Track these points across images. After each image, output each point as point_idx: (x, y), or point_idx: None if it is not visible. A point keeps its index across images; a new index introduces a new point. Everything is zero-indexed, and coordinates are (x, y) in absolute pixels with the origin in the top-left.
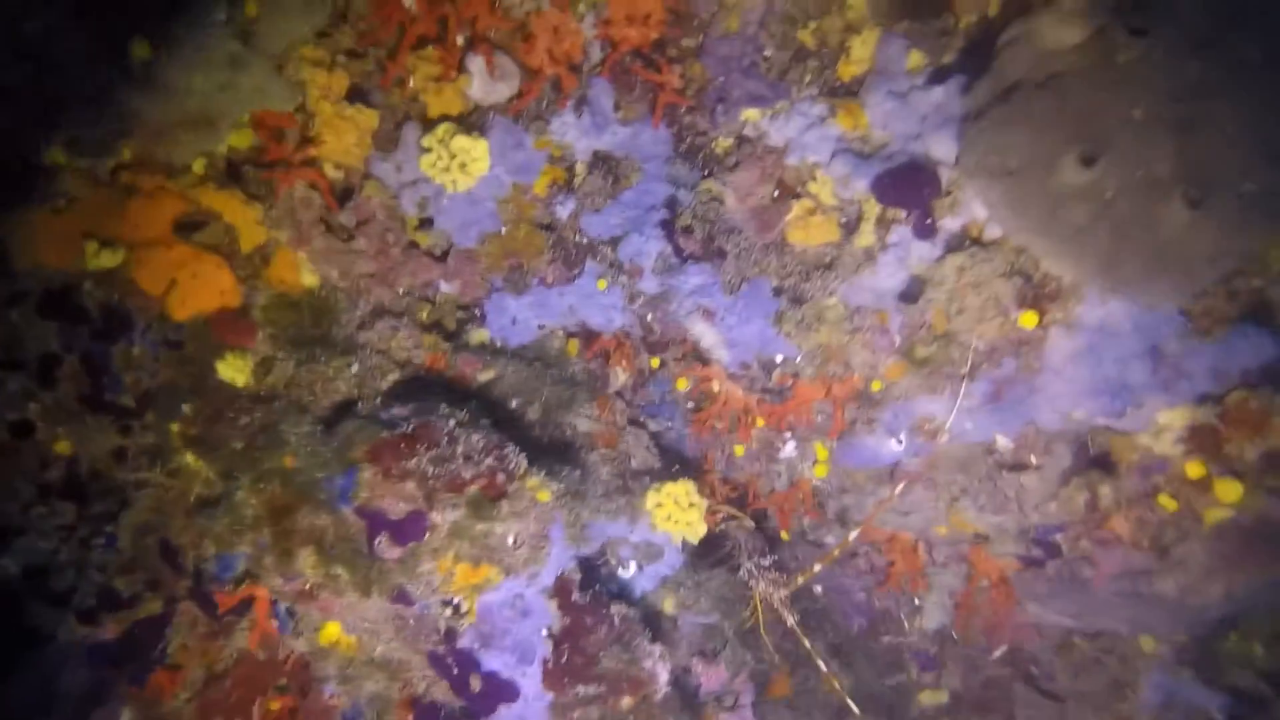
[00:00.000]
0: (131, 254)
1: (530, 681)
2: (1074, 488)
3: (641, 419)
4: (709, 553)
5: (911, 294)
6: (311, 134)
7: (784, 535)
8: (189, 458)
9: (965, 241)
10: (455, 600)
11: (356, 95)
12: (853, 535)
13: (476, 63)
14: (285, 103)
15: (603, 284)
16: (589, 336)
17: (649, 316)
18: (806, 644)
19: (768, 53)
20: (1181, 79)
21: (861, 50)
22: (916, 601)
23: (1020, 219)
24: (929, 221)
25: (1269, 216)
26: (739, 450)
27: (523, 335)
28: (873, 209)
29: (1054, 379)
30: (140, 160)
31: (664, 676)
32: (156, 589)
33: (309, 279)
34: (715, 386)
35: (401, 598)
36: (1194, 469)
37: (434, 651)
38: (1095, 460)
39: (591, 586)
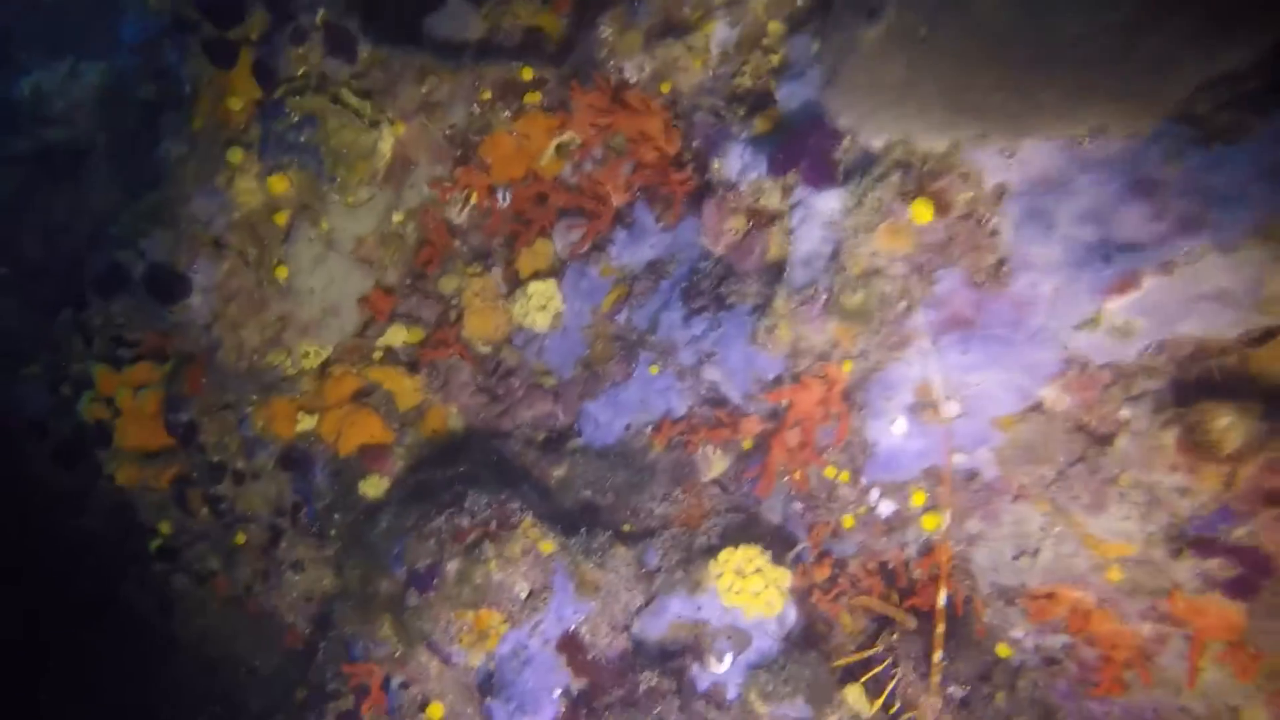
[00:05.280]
0: (321, 417)
1: None
2: (1160, 429)
3: (750, 506)
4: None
5: (836, 249)
6: (460, 322)
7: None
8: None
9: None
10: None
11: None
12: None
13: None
14: (368, 280)
15: (654, 369)
16: (661, 426)
17: (701, 389)
18: None
19: (722, 111)
20: None
21: (777, 60)
22: None
23: (854, 108)
24: (825, 167)
25: None
26: (847, 522)
27: (606, 437)
28: (777, 185)
29: (1029, 275)
30: (337, 356)
31: None
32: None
33: (456, 424)
34: (746, 443)
35: (432, 648)
36: None
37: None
38: (1221, 386)
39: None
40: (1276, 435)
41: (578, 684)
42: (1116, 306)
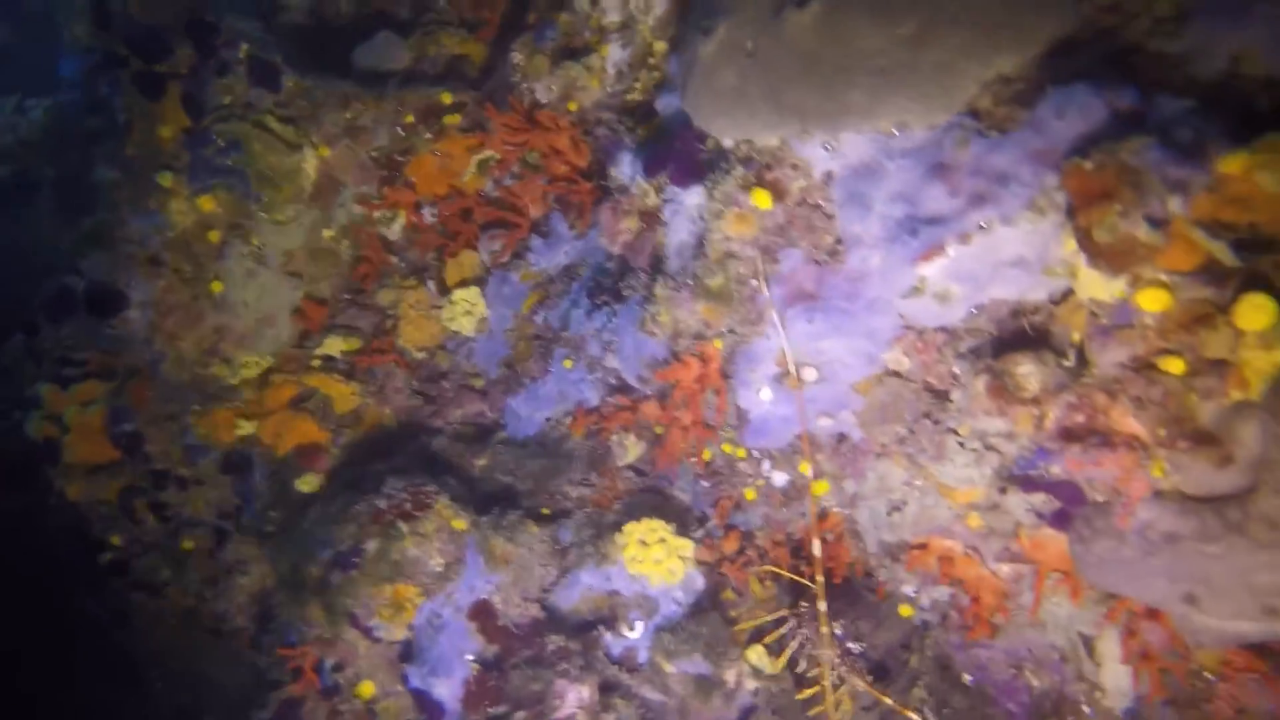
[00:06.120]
0: (260, 422)
1: (449, 698)
2: (973, 378)
3: (665, 488)
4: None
5: (700, 238)
6: (396, 331)
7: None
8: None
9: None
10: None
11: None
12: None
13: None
14: (298, 292)
15: (568, 363)
16: (577, 416)
17: (609, 378)
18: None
19: (616, 124)
20: None
21: (660, 76)
22: (1085, 668)
23: (700, 112)
24: (691, 166)
25: None
26: (749, 495)
27: (528, 429)
28: (652, 185)
29: (860, 251)
30: (277, 365)
31: (572, 698)
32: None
33: (391, 425)
34: (658, 429)
35: (355, 623)
36: (1149, 299)
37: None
38: (1032, 341)
39: (566, 634)
40: (1074, 378)
41: (490, 649)
42: (929, 273)
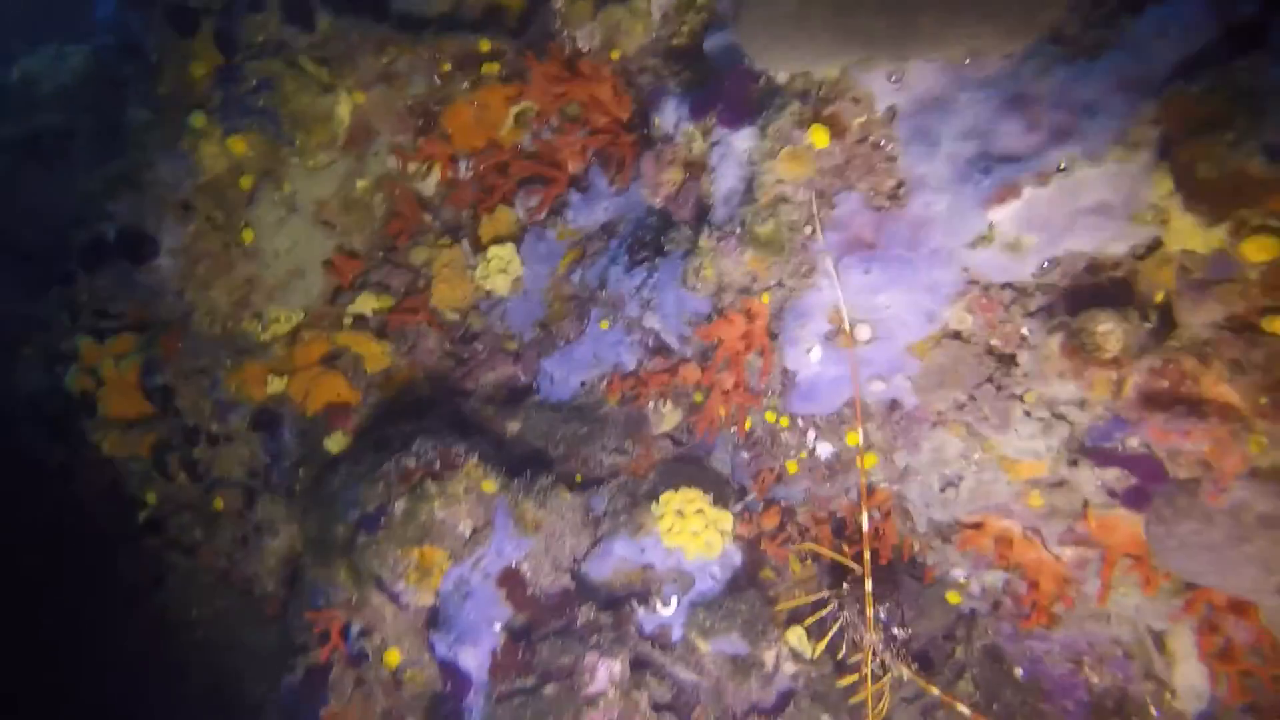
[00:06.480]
0: (290, 379)
1: (476, 668)
2: (1047, 336)
3: (703, 457)
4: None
5: (749, 183)
6: (429, 290)
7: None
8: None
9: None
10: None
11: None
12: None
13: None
14: (330, 243)
15: (605, 324)
16: (613, 380)
17: (648, 340)
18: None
19: (660, 70)
20: None
21: (708, 15)
22: (1154, 665)
23: (755, 42)
24: (741, 106)
25: None
26: (791, 467)
27: (562, 393)
28: (699, 129)
29: (924, 195)
30: (308, 322)
31: (603, 673)
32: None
33: (422, 386)
34: (698, 396)
35: (381, 587)
36: (1255, 248)
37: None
38: (1111, 299)
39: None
40: (1158, 341)
41: (519, 618)
42: (1001, 217)
